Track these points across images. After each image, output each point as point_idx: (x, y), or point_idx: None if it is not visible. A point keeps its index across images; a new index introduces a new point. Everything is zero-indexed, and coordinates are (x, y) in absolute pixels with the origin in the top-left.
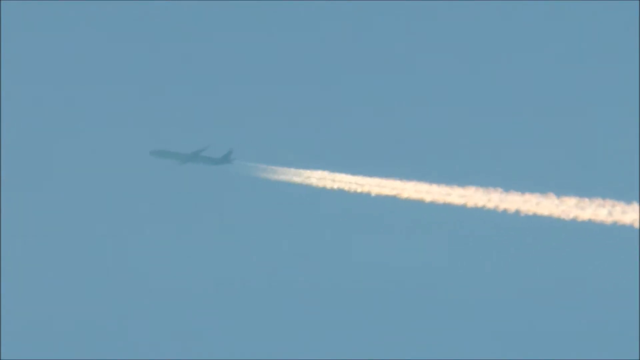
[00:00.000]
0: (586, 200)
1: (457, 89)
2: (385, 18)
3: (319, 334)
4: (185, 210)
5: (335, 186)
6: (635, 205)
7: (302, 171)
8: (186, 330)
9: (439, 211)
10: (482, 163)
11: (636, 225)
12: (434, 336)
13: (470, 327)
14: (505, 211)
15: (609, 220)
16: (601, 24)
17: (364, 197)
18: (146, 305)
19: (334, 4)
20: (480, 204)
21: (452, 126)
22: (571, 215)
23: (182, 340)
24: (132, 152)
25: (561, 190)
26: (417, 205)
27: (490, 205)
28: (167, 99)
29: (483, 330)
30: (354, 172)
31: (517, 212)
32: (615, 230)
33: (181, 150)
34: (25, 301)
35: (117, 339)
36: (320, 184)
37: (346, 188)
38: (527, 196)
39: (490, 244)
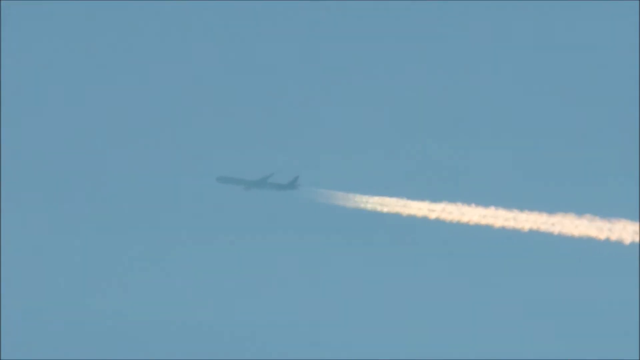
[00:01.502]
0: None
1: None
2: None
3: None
4: (250, 235)
5: (405, 212)
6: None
7: (368, 197)
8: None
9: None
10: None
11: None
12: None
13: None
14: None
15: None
16: (601, 24)
17: (434, 224)
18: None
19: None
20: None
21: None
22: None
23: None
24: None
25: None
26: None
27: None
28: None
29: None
30: (419, 197)
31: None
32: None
33: (247, 177)
34: (25, 301)
35: (117, 339)
36: (387, 209)
37: (415, 214)
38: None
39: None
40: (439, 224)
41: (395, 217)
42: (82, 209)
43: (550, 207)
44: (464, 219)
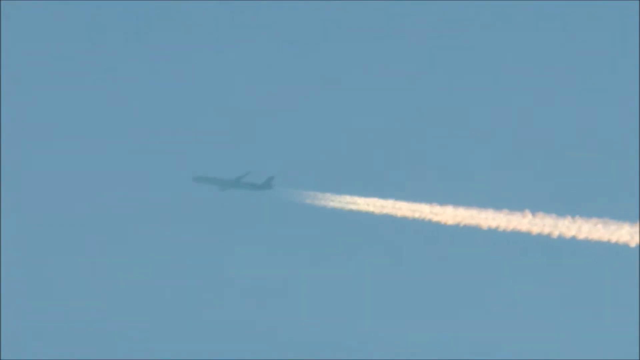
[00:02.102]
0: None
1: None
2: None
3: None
4: (227, 235)
5: (378, 211)
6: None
7: (342, 197)
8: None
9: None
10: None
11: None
12: None
13: None
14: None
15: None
16: (601, 24)
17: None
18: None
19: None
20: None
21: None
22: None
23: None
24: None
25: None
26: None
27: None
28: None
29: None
30: (394, 196)
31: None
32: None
33: (223, 176)
34: (25, 301)
35: (118, 339)
36: (362, 208)
37: (390, 212)
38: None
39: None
40: (422, 224)
41: (370, 217)
42: (82, 209)
43: (556, 209)
44: (451, 220)
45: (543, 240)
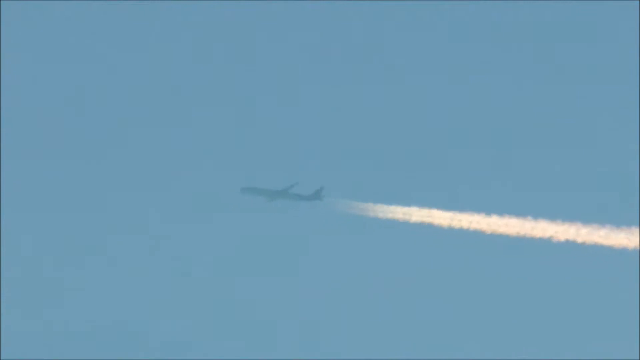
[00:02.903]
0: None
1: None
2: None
3: None
4: (278, 246)
5: (426, 221)
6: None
7: (394, 207)
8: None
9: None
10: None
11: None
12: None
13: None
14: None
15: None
16: (601, 24)
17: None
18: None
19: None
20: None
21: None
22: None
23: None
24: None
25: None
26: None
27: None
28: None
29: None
30: (447, 207)
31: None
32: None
33: (271, 187)
34: (25, 301)
35: (117, 339)
36: (414, 219)
37: (440, 223)
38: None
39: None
40: (458, 233)
41: (421, 227)
42: (83, 209)
43: (554, 214)
44: (475, 226)
45: (544, 244)
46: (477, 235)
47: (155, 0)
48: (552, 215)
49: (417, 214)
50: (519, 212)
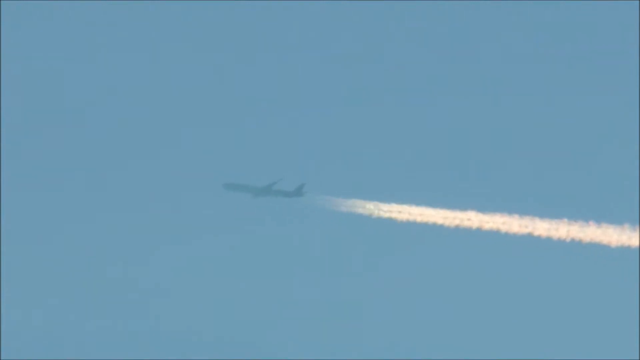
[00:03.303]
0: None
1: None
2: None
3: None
4: (259, 240)
5: (403, 218)
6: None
7: (375, 203)
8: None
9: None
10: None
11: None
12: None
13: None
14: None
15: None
16: (601, 24)
17: (436, 229)
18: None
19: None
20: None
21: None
22: None
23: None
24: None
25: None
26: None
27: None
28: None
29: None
30: (424, 203)
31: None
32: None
33: (254, 184)
34: (25, 301)
35: (117, 339)
36: (393, 216)
37: (418, 220)
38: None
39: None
40: (441, 229)
41: (404, 224)
42: (84, 209)
43: (552, 212)
44: (470, 224)
45: (545, 243)
46: (471, 234)
47: (156, 0)
48: (554, 214)
49: (407, 211)
50: (518, 210)
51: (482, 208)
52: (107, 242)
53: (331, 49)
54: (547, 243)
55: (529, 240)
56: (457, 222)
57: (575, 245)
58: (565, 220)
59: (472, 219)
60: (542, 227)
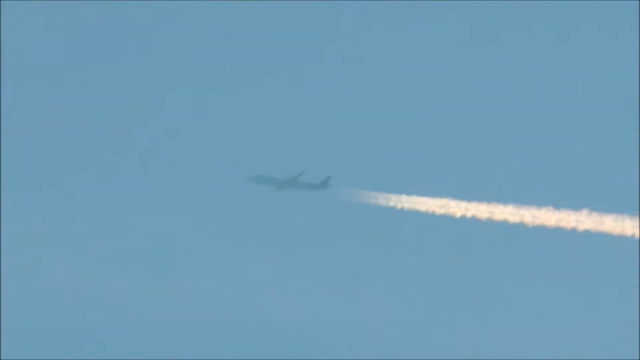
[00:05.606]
0: None
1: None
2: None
3: None
4: (286, 235)
5: (430, 210)
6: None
7: (401, 196)
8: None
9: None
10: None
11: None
12: None
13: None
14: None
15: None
16: (601, 24)
17: (468, 222)
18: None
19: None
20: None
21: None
22: None
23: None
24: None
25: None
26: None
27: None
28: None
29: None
30: (451, 195)
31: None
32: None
33: (279, 176)
34: (25, 301)
35: (117, 339)
36: (419, 208)
37: (443, 212)
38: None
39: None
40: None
41: (430, 217)
42: (84, 209)
43: (553, 202)
44: (469, 214)
45: (545, 233)
46: (477, 224)
47: (156, 0)
48: (558, 203)
49: (431, 203)
50: (523, 201)
51: (499, 200)
52: (109, 237)
53: (354, 44)
54: (561, 234)
55: (534, 230)
56: (469, 212)
57: (584, 235)
58: (565, 209)
59: (494, 211)
60: (554, 218)
